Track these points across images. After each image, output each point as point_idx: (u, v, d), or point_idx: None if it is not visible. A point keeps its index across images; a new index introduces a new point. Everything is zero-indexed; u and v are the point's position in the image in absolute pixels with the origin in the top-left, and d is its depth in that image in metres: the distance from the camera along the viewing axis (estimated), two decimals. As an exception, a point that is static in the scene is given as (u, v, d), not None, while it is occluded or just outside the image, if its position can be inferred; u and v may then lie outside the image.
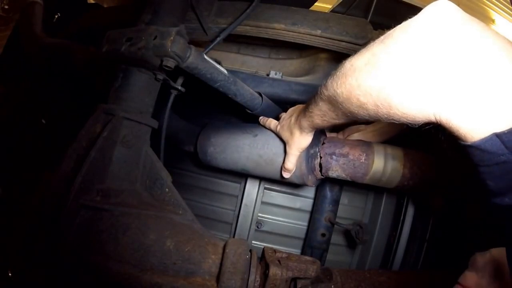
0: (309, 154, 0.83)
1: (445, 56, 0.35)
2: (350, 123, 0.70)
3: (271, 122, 0.85)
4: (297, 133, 0.75)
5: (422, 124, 0.40)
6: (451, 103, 0.35)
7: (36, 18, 1.23)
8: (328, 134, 0.95)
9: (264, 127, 0.88)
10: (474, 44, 0.34)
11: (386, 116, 0.42)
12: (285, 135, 0.79)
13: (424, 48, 0.36)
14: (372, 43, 0.43)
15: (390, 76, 0.39)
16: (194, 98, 1.08)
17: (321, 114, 0.60)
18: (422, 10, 0.38)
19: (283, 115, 0.82)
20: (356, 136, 0.92)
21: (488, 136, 0.33)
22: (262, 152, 0.87)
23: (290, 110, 0.81)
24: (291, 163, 0.81)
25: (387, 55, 0.39)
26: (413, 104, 0.37)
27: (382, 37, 0.41)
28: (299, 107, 0.77)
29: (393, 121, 0.42)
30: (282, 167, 0.84)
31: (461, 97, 0.34)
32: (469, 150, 0.35)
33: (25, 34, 1.24)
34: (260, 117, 0.89)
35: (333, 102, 0.52)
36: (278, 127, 0.82)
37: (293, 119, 0.76)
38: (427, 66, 0.36)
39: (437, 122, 0.37)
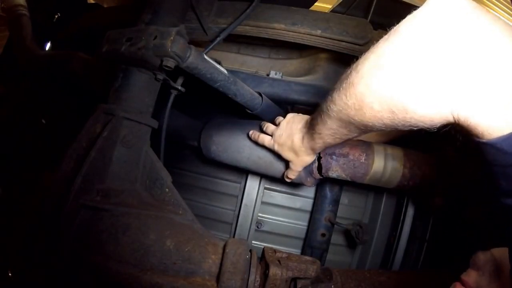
0: None
1: (459, 46, 0.32)
2: None
3: (264, 139, 0.80)
4: (303, 154, 0.71)
5: (440, 127, 0.37)
6: (470, 99, 0.32)
7: (26, 31, 1.23)
8: None
9: (257, 143, 0.84)
10: (491, 32, 0.31)
11: (402, 122, 0.38)
12: (287, 155, 0.75)
13: (435, 39, 0.33)
14: (376, 44, 0.39)
15: (400, 77, 0.36)
16: (194, 98, 1.08)
17: (332, 133, 0.55)
18: (427, 1, 0.35)
19: (277, 131, 0.76)
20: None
21: (506, 135, 0.31)
22: (261, 154, 0.88)
23: (285, 126, 0.74)
24: (294, 176, 0.81)
25: (394, 52, 0.36)
26: (430, 105, 0.35)
27: (386, 36, 0.38)
28: (296, 123, 0.71)
29: (410, 127, 0.39)
30: (284, 176, 0.84)
31: (480, 93, 0.31)
32: (485, 148, 0.33)
33: (18, 49, 1.24)
34: (250, 133, 0.86)
35: (344, 117, 0.47)
36: (276, 146, 0.76)
37: (296, 140, 0.70)
38: (441, 59, 0.33)
39: (455, 121, 0.35)
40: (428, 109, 0.35)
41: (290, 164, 0.78)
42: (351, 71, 0.43)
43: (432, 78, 0.34)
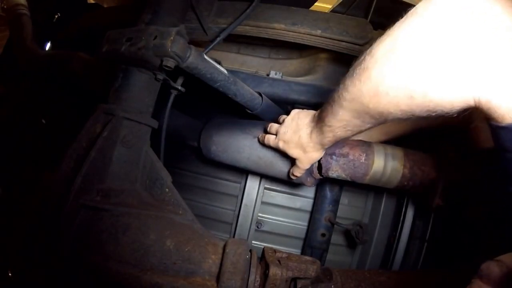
0: None
1: (481, 28, 0.31)
2: None
3: (269, 139, 0.78)
4: (312, 150, 0.68)
5: (458, 111, 0.36)
6: (492, 82, 0.31)
7: (26, 30, 1.23)
8: None
9: (264, 145, 0.82)
10: None
11: (421, 107, 0.37)
12: (294, 152, 0.72)
13: (456, 20, 0.32)
14: (391, 28, 0.38)
15: (419, 60, 0.34)
16: (194, 98, 1.08)
17: (344, 125, 0.52)
18: None
19: (281, 128, 0.74)
20: (356, 135, 0.91)
21: None
22: (261, 154, 0.88)
23: (290, 122, 0.72)
24: (300, 173, 0.79)
25: (412, 34, 0.35)
26: (451, 88, 0.33)
27: (402, 19, 0.37)
28: (302, 118, 0.69)
29: (428, 113, 0.37)
30: (290, 173, 0.82)
31: (503, 75, 0.31)
32: (503, 133, 0.32)
33: (18, 48, 1.24)
34: (259, 136, 0.85)
35: (358, 106, 0.44)
36: (281, 143, 0.74)
37: (303, 136, 0.67)
38: (463, 40, 0.32)
39: (475, 105, 0.33)
40: (449, 92, 0.34)
41: (297, 162, 0.74)
42: (365, 56, 0.41)
43: (453, 61, 0.33)
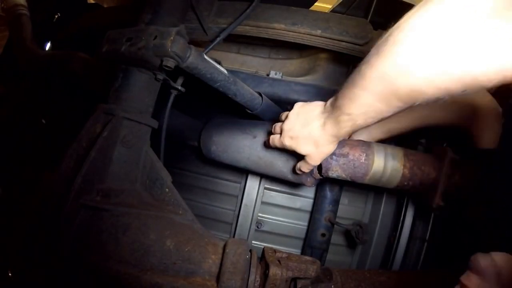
0: None
1: None
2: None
3: (274, 139, 0.73)
4: (325, 144, 0.63)
5: (492, 86, 0.34)
6: None
7: (26, 31, 1.23)
8: None
9: (270, 147, 0.79)
10: None
11: (456, 83, 0.35)
12: (304, 148, 0.66)
13: None
14: (421, 2, 0.36)
15: (455, 32, 0.32)
16: (194, 98, 1.08)
17: (365, 112, 0.48)
18: None
19: (285, 125, 0.69)
20: (358, 133, 0.89)
21: None
22: (261, 154, 0.89)
23: (295, 117, 0.67)
24: (309, 170, 0.73)
25: (448, 5, 0.33)
26: (490, 59, 0.32)
27: None
28: (310, 111, 0.64)
29: (463, 88, 0.35)
30: (296, 168, 0.77)
31: None
32: None
33: (18, 49, 1.24)
34: (265, 139, 0.83)
35: (385, 86, 0.41)
36: (287, 140, 0.68)
37: (315, 128, 0.62)
38: (504, 8, 0.30)
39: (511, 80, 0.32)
40: (487, 63, 0.33)
41: (307, 158, 0.68)
42: (392, 32, 0.39)
43: (492, 30, 0.31)
